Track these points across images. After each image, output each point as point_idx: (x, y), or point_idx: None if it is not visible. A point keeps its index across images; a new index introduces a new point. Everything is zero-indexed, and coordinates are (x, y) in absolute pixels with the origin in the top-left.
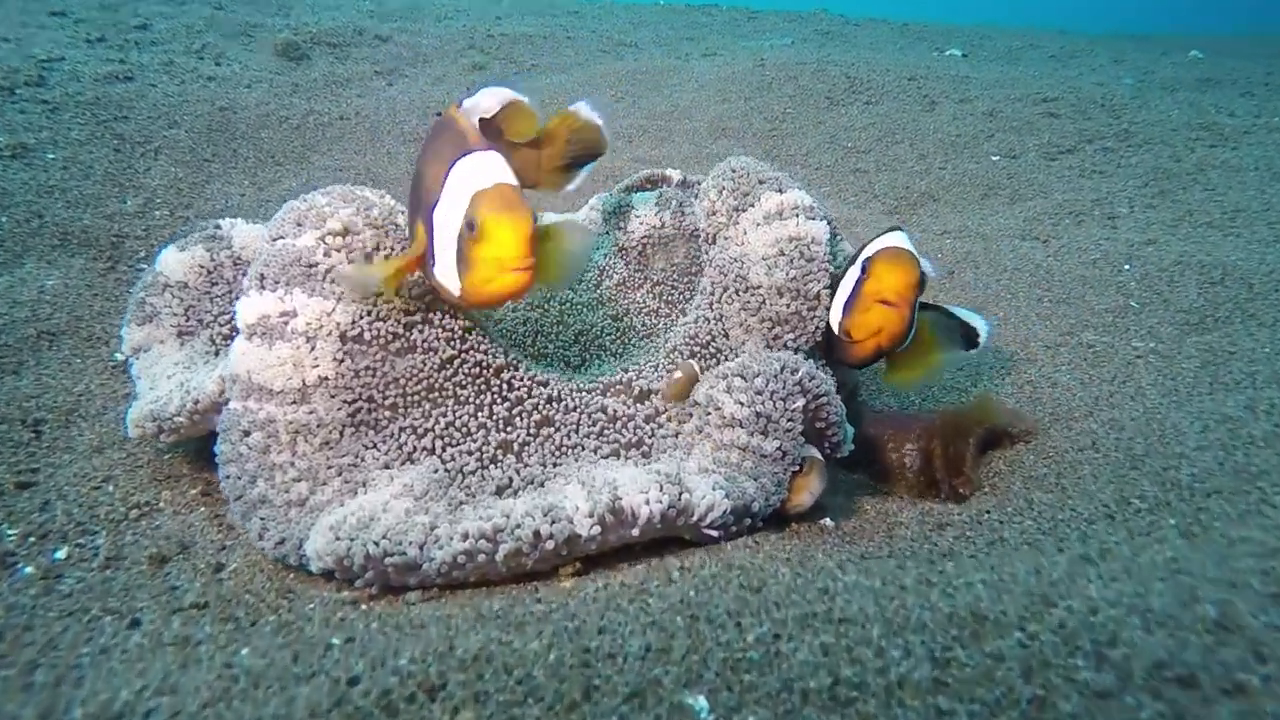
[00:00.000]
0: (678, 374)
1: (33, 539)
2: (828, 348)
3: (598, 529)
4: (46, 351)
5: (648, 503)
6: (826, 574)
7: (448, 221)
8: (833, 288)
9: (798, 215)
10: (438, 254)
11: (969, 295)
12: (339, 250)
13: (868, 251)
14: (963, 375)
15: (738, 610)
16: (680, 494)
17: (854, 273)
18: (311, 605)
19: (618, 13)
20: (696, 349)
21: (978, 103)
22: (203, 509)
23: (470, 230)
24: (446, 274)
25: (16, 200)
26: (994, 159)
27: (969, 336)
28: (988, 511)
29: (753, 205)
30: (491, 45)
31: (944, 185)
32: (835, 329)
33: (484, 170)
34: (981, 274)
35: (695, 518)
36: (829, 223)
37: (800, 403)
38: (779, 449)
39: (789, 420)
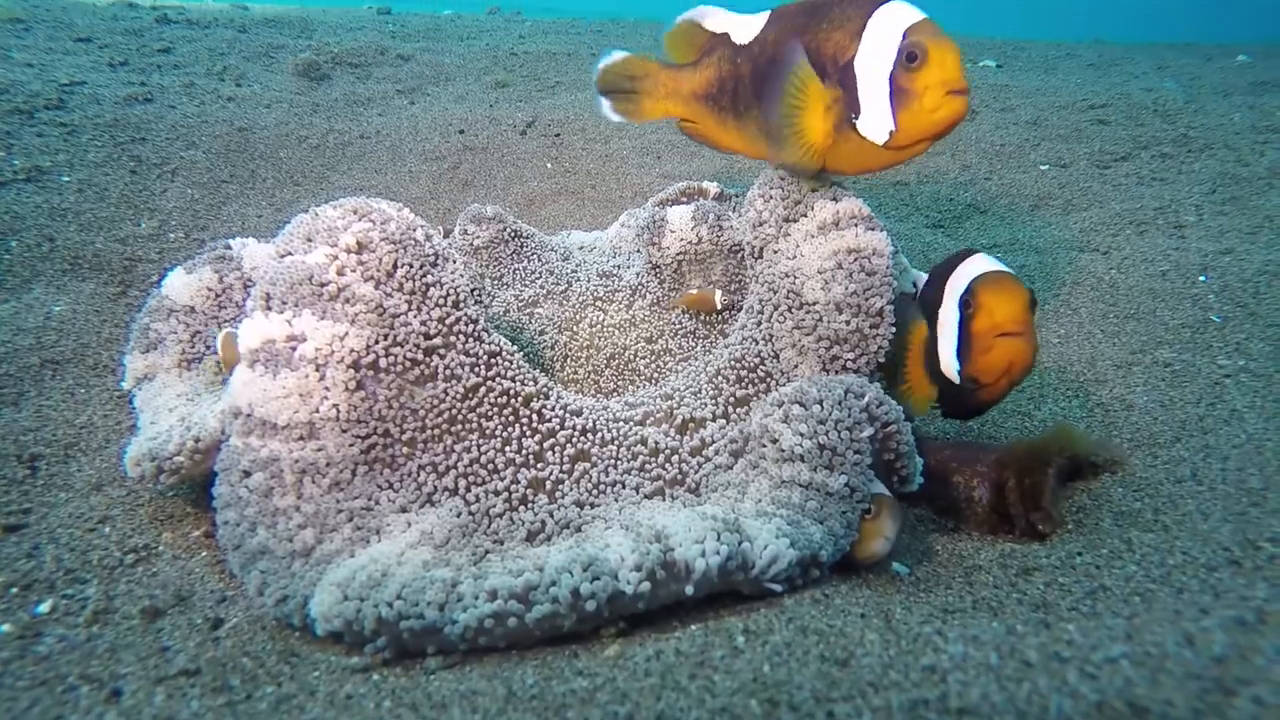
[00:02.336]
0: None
1: (15, 590)
2: (944, 402)
3: (646, 585)
4: (49, 381)
5: (703, 555)
6: (925, 643)
7: (873, 67)
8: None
9: (856, 225)
10: (865, 105)
11: None
12: (353, 268)
13: (956, 286)
14: (1024, 398)
15: (825, 692)
16: (739, 543)
17: (951, 313)
18: (316, 673)
19: (642, 30)
20: (743, 373)
21: (1020, 111)
22: (205, 553)
23: (911, 61)
24: (876, 120)
25: (28, 224)
26: (1043, 168)
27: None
28: (1079, 553)
29: (805, 215)
30: (515, 63)
31: (990, 196)
32: (954, 378)
33: (907, 10)
34: (1037, 289)
35: (756, 571)
36: (889, 233)
37: (868, 431)
38: (846, 485)
39: (856, 452)
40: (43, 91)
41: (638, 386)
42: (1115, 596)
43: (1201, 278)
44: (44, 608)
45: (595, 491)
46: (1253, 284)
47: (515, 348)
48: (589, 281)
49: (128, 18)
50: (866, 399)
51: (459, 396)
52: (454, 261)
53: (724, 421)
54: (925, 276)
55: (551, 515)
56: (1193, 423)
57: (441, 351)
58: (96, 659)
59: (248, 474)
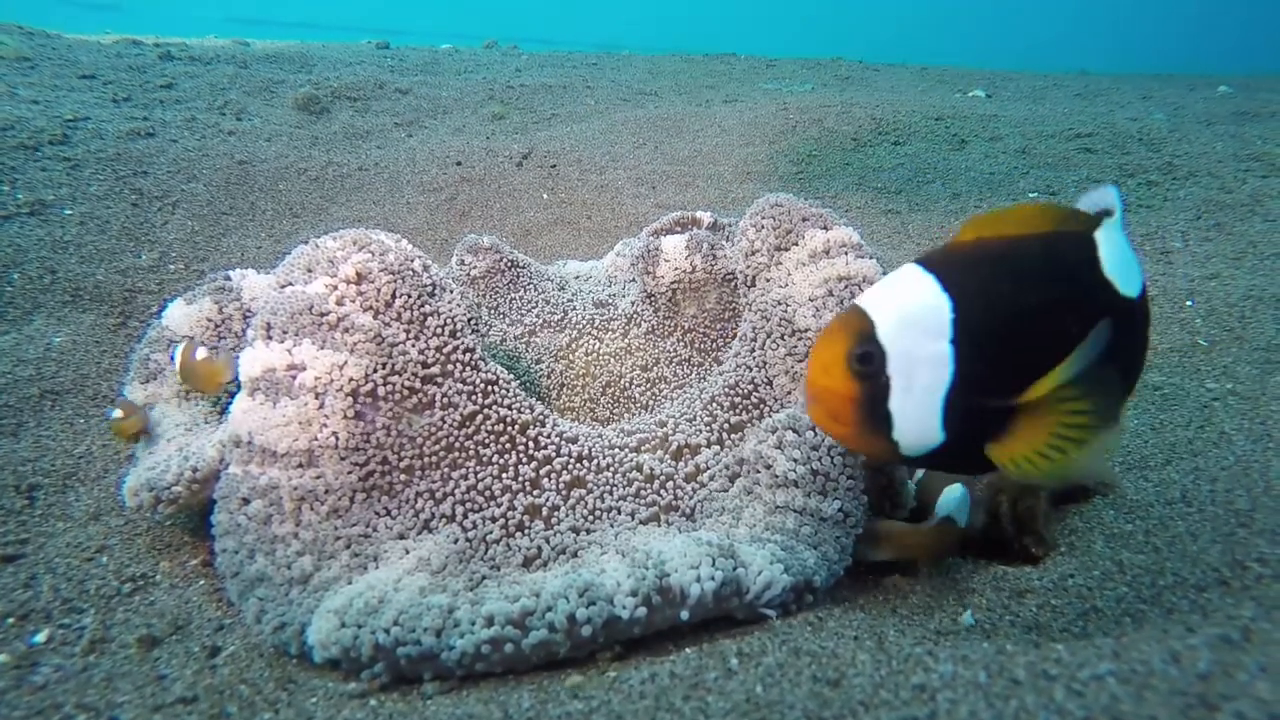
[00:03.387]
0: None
1: (12, 620)
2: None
3: (643, 610)
4: (49, 412)
5: (699, 580)
6: (916, 663)
7: None
8: None
9: (846, 253)
10: None
11: None
12: (352, 299)
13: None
14: None
15: (817, 712)
16: (734, 568)
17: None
18: (314, 699)
19: (636, 63)
20: (737, 399)
21: (1009, 140)
22: (202, 582)
23: None
24: None
25: (30, 256)
26: (1031, 196)
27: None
28: (1071, 575)
29: (796, 244)
30: (511, 96)
31: None
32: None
33: None
34: None
35: (750, 596)
36: (879, 261)
37: (861, 457)
38: (840, 510)
39: (849, 477)
40: (47, 127)
41: (633, 414)
42: (1107, 617)
43: (1189, 302)
44: (41, 637)
45: (591, 517)
46: (1238, 308)
47: (512, 376)
48: (585, 310)
49: (131, 55)
50: None
51: (456, 424)
52: (451, 291)
53: (719, 448)
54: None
55: (548, 541)
56: (1182, 445)
57: (439, 380)
58: (93, 688)
59: (247, 501)
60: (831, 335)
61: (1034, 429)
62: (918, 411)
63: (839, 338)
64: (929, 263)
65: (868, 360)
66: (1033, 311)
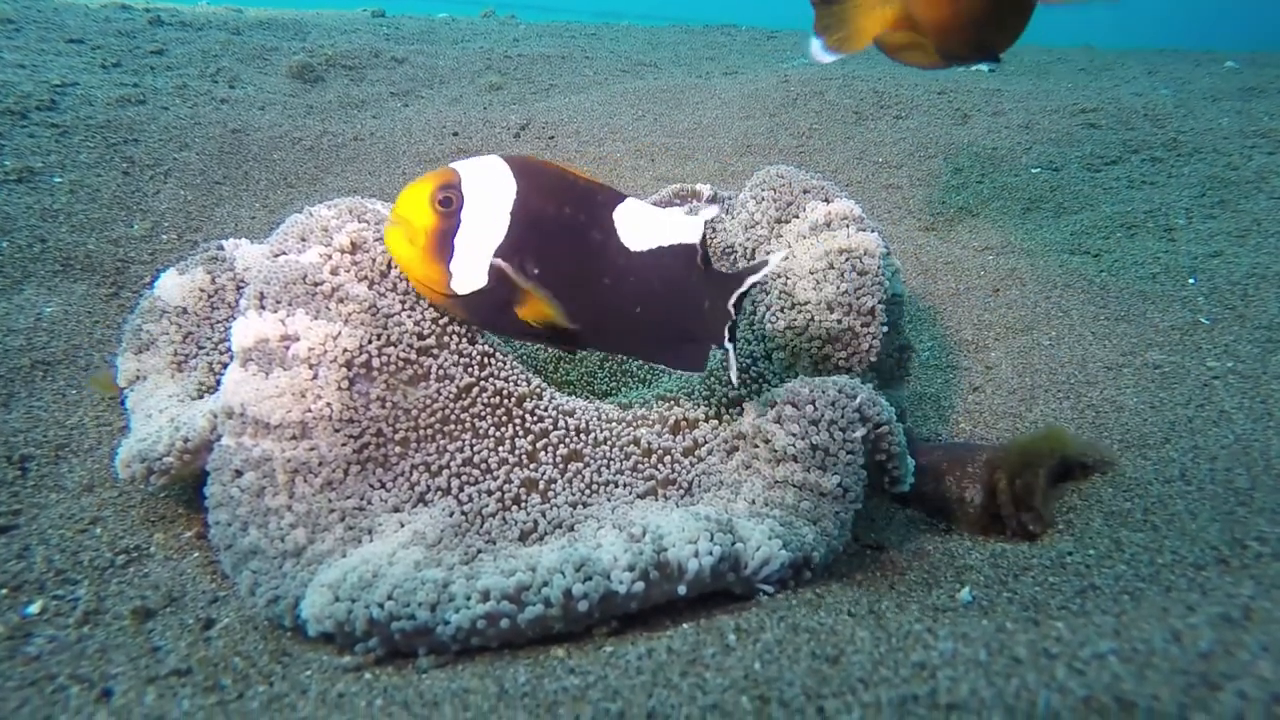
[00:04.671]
0: None
1: (5, 591)
2: None
3: (639, 585)
4: (40, 382)
5: (696, 555)
6: (916, 640)
7: None
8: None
9: (847, 226)
10: None
11: (1016, 313)
12: (346, 268)
13: None
14: (1015, 399)
15: (816, 689)
16: (732, 544)
17: None
18: (308, 672)
19: (636, 34)
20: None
21: (1012, 115)
22: (196, 554)
23: None
24: None
25: (18, 225)
26: (1034, 171)
27: None
28: (1069, 553)
29: (797, 216)
30: (509, 66)
31: (983, 200)
32: None
33: None
34: (1029, 291)
35: (748, 571)
36: (880, 234)
37: (861, 432)
38: (839, 485)
39: (849, 452)
40: (34, 92)
41: (631, 388)
42: (1105, 595)
43: (1191, 280)
44: (34, 609)
45: (588, 491)
46: (1241, 286)
47: (509, 349)
48: None
49: (120, 19)
50: (859, 399)
51: (452, 396)
52: None
53: (717, 422)
54: None
55: (544, 515)
56: (1182, 424)
57: (435, 352)
58: (87, 659)
59: (240, 473)
60: (423, 180)
61: (534, 305)
62: (473, 254)
63: (429, 181)
64: (509, 160)
65: (447, 203)
66: (559, 232)
